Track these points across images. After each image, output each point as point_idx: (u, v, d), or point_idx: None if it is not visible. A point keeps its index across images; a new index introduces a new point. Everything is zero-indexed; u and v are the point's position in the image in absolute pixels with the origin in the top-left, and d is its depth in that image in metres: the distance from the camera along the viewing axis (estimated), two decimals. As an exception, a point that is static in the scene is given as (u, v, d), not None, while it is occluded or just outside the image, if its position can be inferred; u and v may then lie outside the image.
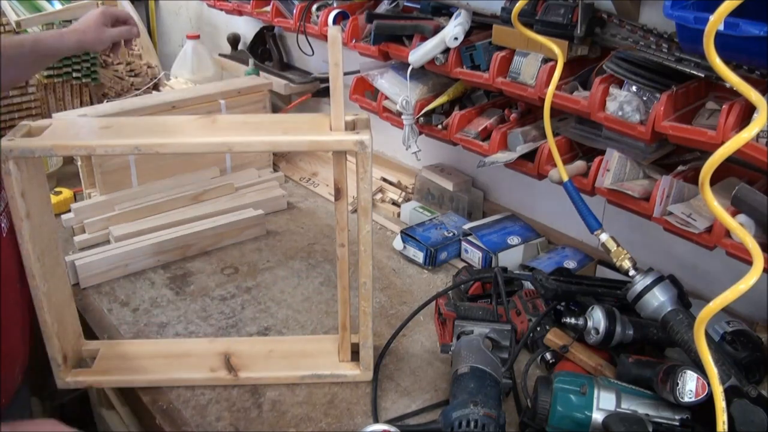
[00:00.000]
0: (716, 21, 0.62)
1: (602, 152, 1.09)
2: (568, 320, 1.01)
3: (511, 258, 1.32)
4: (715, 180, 0.82)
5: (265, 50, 2.01)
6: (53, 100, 1.87)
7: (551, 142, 1.07)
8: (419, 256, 1.35)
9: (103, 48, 1.21)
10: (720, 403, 0.68)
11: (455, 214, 1.46)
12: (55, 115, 1.65)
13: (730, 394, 0.81)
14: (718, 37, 0.63)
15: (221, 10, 1.97)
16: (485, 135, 1.26)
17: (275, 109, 1.84)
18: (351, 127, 0.92)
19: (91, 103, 1.90)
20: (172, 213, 1.47)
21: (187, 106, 1.59)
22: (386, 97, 1.42)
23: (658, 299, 0.94)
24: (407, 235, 1.37)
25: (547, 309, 1.09)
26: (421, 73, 1.38)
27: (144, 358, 1.07)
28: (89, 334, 1.16)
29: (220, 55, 2.14)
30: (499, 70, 1.18)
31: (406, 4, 1.45)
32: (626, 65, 1.01)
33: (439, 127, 1.35)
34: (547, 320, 1.08)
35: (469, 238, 1.36)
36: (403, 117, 1.37)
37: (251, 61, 1.96)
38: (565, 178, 1.06)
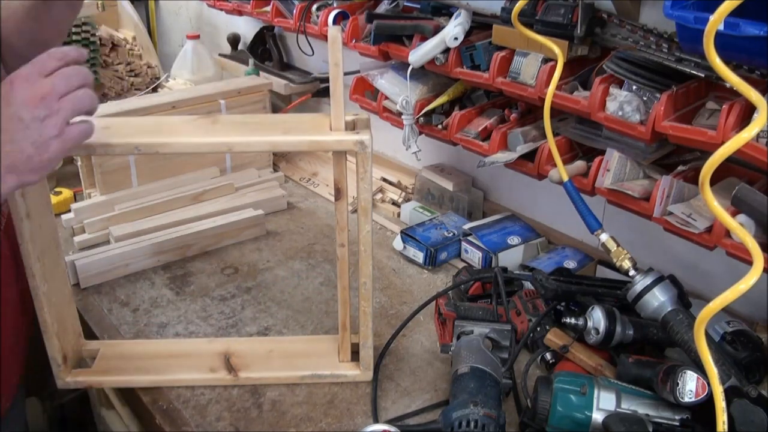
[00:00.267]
0: (716, 21, 0.62)
1: (602, 152, 1.09)
2: (568, 320, 1.01)
3: (511, 258, 1.32)
4: (715, 180, 0.82)
5: (265, 50, 2.01)
6: (53, 100, 1.87)
7: (551, 142, 1.07)
8: (419, 256, 1.35)
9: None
10: (720, 403, 0.68)
11: (455, 214, 1.46)
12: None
13: (730, 394, 0.81)
14: (718, 37, 0.63)
15: (221, 10, 1.97)
16: (485, 135, 1.27)
17: (275, 109, 1.84)
18: (351, 127, 0.92)
19: (91, 103, 1.90)
20: (172, 213, 1.47)
21: (187, 106, 1.59)
22: (386, 97, 1.42)
23: (658, 299, 0.94)
24: (407, 235, 1.37)
25: (547, 309, 1.09)
26: (421, 73, 1.38)
27: (144, 358, 1.07)
28: (89, 334, 1.16)
29: (220, 55, 2.14)
30: (499, 70, 1.18)
31: (406, 4, 1.45)
32: (626, 65, 1.01)
33: (439, 127, 1.35)
34: (547, 320, 1.08)
35: (469, 238, 1.36)
36: (403, 117, 1.37)
37: (251, 61, 1.96)
38: (565, 178, 1.06)
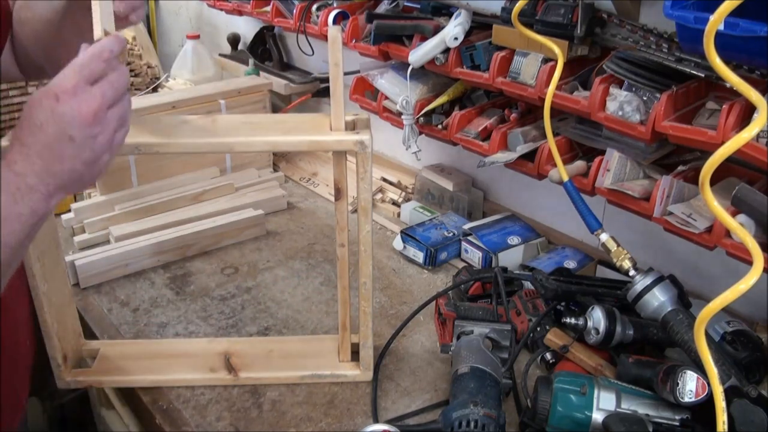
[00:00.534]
0: (716, 21, 0.62)
1: (602, 152, 1.09)
2: (568, 320, 1.01)
3: (511, 258, 1.32)
4: (715, 180, 0.82)
5: (265, 50, 2.01)
6: (53, 100, 1.87)
7: (551, 142, 1.07)
8: (419, 256, 1.35)
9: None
10: (720, 403, 0.68)
11: (455, 214, 1.46)
12: (55, 115, 1.65)
13: (730, 394, 0.81)
14: (718, 37, 0.63)
15: (221, 10, 1.97)
16: (485, 135, 1.26)
17: (275, 109, 1.84)
18: (351, 127, 0.92)
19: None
20: (172, 213, 1.47)
21: (187, 106, 1.59)
22: (386, 97, 1.42)
23: (658, 299, 0.94)
24: (407, 235, 1.37)
25: (547, 309, 1.09)
26: (421, 73, 1.38)
27: (144, 358, 1.07)
28: (89, 334, 1.16)
29: (220, 55, 2.14)
30: (499, 70, 1.18)
31: (406, 4, 1.45)
32: (626, 65, 1.01)
33: (439, 127, 1.35)
34: (547, 320, 1.08)
35: (469, 238, 1.36)
36: (403, 117, 1.37)
37: (251, 61, 1.96)
38: (565, 178, 1.06)
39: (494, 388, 0.90)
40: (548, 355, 1.04)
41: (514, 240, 1.34)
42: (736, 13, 0.65)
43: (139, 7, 0.80)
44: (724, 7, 0.62)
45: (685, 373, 0.81)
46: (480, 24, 1.28)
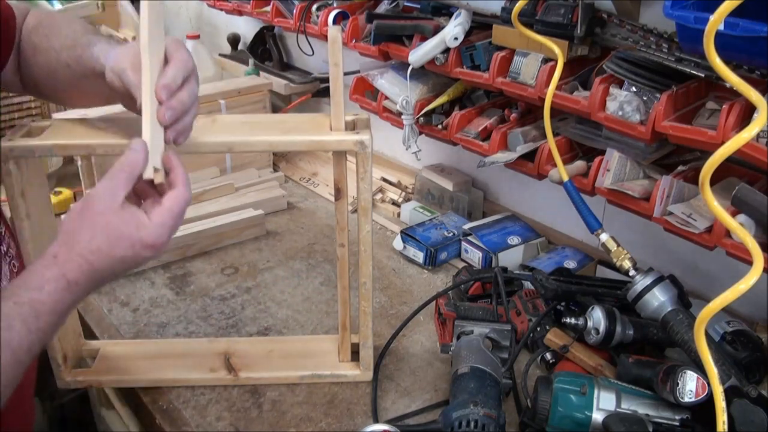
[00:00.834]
0: (716, 21, 0.62)
1: (602, 152, 1.09)
2: (568, 320, 1.01)
3: (511, 258, 1.32)
4: (715, 180, 0.82)
5: (265, 50, 2.01)
6: (53, 100, 1.87)
7: (551, 142, 1.07)
8: (419, 256, 1.35)
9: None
10: (720, 403, 0.68)
11: (455, 214, 1.46)
12: (55, 115, 1.65)
13: (730, 394, 0.81)
14: (718, 37, 0.63)
15: (221, 10, 1.97)
16: (485, 135, 1.26)
17: (275, 109, 1.84)
18: (351, 127, 0.92)
19: (91, 103, 1.90)
20: (172, 213, 1.47)
21: (187, 106, 1.58)
22: (386, 97, 1.42)
23: (658, 299, 0.94)
24: (407, 235, 1.37)
25: (547, 309, 1.09)
26: (421, 73, 1.38)
27: (144, 358, 1.07)
28: (89, 334, 1.16)
29: (220, 55, 2.14)
30: (499, 70, 1.18)
31: (406, 4, 1.45)
32: (626, 65, 1.01)
33: (439, 127, 1.35)
34: (547, 320, 1.08)
35: (469, 238, 1.35)
36: (403, 117, 1.37)
37: (251, 61, 1.96)
38: (565, 178, 1.06)
39: (494, 388, 0.90)
40: (548, 355, 1.04)
41: (514, 240, 1.34)
42: (736, 13, 0.65)
43: (187, 130, 0.80)
44: (724, 7, 0.62)
45: (685, 373, 0.81)
46: (480, 24, 1.28)
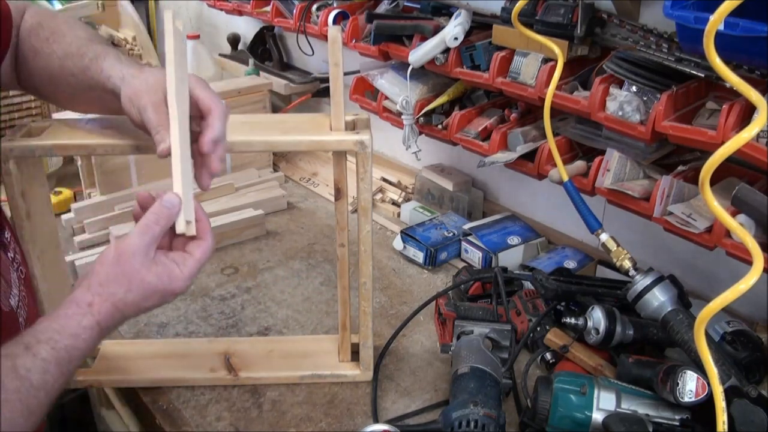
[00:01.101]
0: (716, 21, 0.62)
1: (602, 152, 1.09)
2: (568, 320, 1.01)
3: (511, 258, 1.32)
4: (715, 180, 0.82)
5: (265, 50, 2.01)
6: (53, 100, 1.87)
7: (551, 142, 1.07)
8: (419, 256, 1.35)
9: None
10: (720, 403, 0.68)
11: (455, 214, 1.46)
12: (55, 115, 1.65)
13: (730, 394, 0.81)
14: (718, 37, 0.63)
15: (221, 10, 1.97)
16: (485, 135, 1.26)
17: (275, 109, 1.84)
18: (351, 127, 0.92)
19: (91, 103, 1.90)
20: (172, 213, 1.47)
21: (187, 106, 1.59)
22: (386, 97, 1.42)
23: (658, 299, 0.94)
24: (407, 235, 1.37)
25: (547, 309, 1.09)
26: (421, 73, 1.38)
27: (144, 358, 1.07)
28: (89, 334, 1.16)
29: (220, 55, 2.14)
30: (499, 70, 1.18)
31: (406, 4, 1.45)
32: (626, 65, 1.01)
33: (439, 127, 1.35)
34: (547, 320, 1.08)
35: (469, 238, 1.35)
36: (403, 117, 1.37)
37: (251, 61, 1.96)
38: (565, 178, 1.06)
39: (494, 388, 0.90)
40: (548, 355, 1.04)
41: (514, 240, 1.34)
42: (736, 13, 0.65)
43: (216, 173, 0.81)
44: (724, 7, 0.62)
45: (685, 373, 0.81)
46: (480, 24, 1.28)
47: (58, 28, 0.86)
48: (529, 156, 1.19)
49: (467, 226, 1.38)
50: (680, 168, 1.06)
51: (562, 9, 1.07)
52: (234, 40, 2.11)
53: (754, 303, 1.07)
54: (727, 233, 0.93)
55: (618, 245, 1.01)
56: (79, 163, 1.51)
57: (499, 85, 1.19)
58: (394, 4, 1.46)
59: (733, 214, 0.91)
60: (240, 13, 1.90)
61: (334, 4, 1.53)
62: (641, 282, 0.96)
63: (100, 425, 1.35)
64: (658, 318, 0.94)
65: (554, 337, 1.03)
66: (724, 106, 0.89)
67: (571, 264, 1.27)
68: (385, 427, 0.85)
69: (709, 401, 0.72)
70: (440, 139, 1.37)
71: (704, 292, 1.14)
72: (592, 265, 1.29)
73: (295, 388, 1.03)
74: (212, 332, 1.17)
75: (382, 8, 1.47)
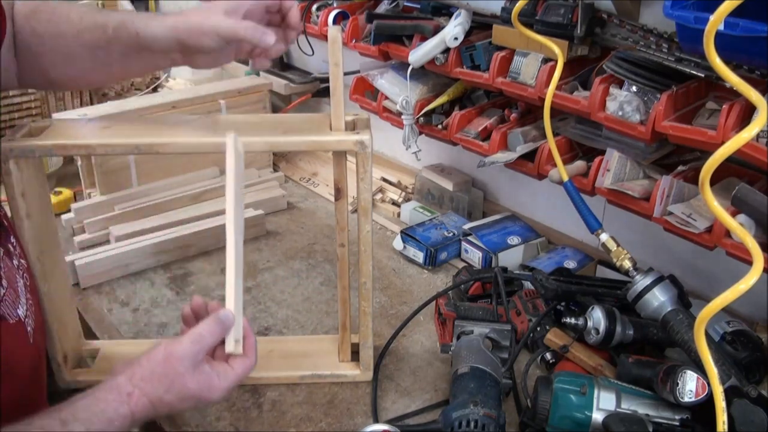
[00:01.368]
0: (716, 21, 0.62)
1: (602, 152, 1.09)
2: (568, 320, 1.01)
3: (511, 258, 1.32)
4: (715, 180, 0.82)
5: (265, 50, 2.01)
6: (53, 100, 1.87)
7: (551, 142, 1.07)
8: (419, 256, 1.35)
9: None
10: (720, 403, 0.68)
11: (455, 214, 1.46)
12: (55, 115, 1.65)
13: (730, 394, 0.81)
14: (718, 37, 0.63)
15: (221, 10, 1.96)
16: (485, 135, 1.27)
17: (275, 109, 1.84)
18: (351, 127, 0.92)
19: (91, 103, 1.90)
20: (172, 213, 1.47)
21: (187, 106, 1.59)
22: (386, 97, 1.42)
23: (658, 299, 0.94)
24: (407, 235, 1.37)
25: (547, 309, 1.09)
26: (421, 73, 1.38)
27: (144, 358, 1.07)
28: (89, 334, 1.16)
29: (220, 55, 2.13)
30: (499, 70, 1.18)
31: (406, 4, 1.45)
32: (626, 65, 1.01)
33: (439, 127, 1.35)
34: (547, 320, 1.08)
35: (469, 238, 1.35)
36: (403, 117, 1.37)
37: (251, 61, 1.96)
38: (565, 178, 1.06)
39: (494, 388, 0.90)
40: (548, 355, 1.04)
41: (514, 240, 1.34)
42: (736, 13, 0.65)
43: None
44: (724, 7, 0.62)
45: (685, 373, 0.81)
46: (480, 24, 1.28)
47: (55, 9, 0.85)
48: (529, 156, 1.19)
49: (467, 226, 1.38)
50: (680, 168, 1.06)
51: (562, 9, 1.07)
52: (234, 40, 2.11)
53: (754, 303, 1.07)
54: (727, 233, 0.93)
55: (618, 245, 1.01)
56: (79, 163, 1.51)
57: (499, 85, 1.19)
58: (394, 4, 1.46)
59: (733, 214, 0.91)
60: (240, 13, 1.89)
61: (334, 4, 1.53)
62: (641, 282, 0.96)
63: (100, 425, 1.35)
64: (658, 318, 0.94)
65: (554, 337, 1.03)
66: (724, 106, 0.89)
67: (571, 264, 1.27)
68: (385, 427, 0.85)
69: (709, 401, 0.72)
70: (440, 139, 1.38)
71: (704, 292, 1.14)
72: (592, 265, 1.29)
73: (295, 388, 1.03)
74: (212, 332, 1.17)
75: (382, 8, 1.47)
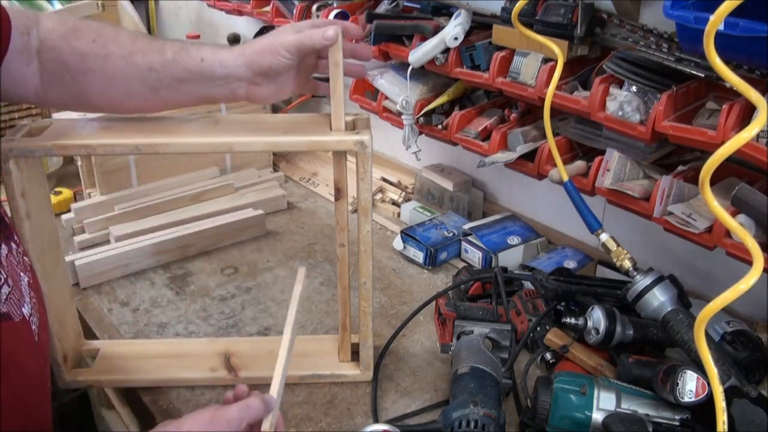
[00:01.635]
0: (716, 21, 0.62)
1: (602, 152, 1.09)
2: (568, 320, 1.01)
3: (511, 258, 1.32)
4: (715, 180, 0.82)
5: (265, 50, 2.01)
6: (53, 100, 1.87)
7: (551, 142, 1.07)
8: (419, 256, 1.35)
9: None
10: (720, 403, 0.68)
11: (455, 214, 1.46)
12: (55, 115, 1.64)
13: (730, 394, 0.81)
14: (718, 37, 0.63)
15: (221, 10, 1.97)
16: (485, 135, 1.26)
17: (275, 109, 1.84)
18: (351, 127, 0.92)
19: (91, 103, 1.90)
20: (172, 213, 1.47)
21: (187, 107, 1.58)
22: (386, 97, 1.42)
23: (658, 299, 0.94)
24: (407, 235, 1.37)
25: (547, 309, 1.09)
26: (421, 73, 1.38)
27: (144, 358, 1.07)
28: (89, 334, 1.16)
29: (220, 55, 2.13)
30: (499, 70, 1.18)
31: (406, 4, 1.45)
32: (626, 65, 1.01)
33: (439, 127, 1.35)
34: (547, 320, 1.08)
35: (469, 238, 1.35)
36: (403, 117, 1.37)
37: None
38: (565, 178, 1.06)
39: (494, 388, 0.90)
40: (548, 355, 1.04)
41: (514, 240, 1.34)
42: (736, 13, 0.65)
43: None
44: (724, 7, 0.62)
45: (685, 373, 0.81)
46: (480, 24, 1.28)
47: (99, 29, 0.84)
48: (529, 156, 1.19)
49: (467, 226, 1.38)
50: (680, 168, 1.06)
51: (562, 9, 1.07)
52: (234, 40, 2.11)
53: (754, 303, 1.07)
54: (727, 233, 0.93)
55: (618, 245, 1.01)
56: (79, 163, 1.51)
57: (499, 85, 1.19)
58: (394, 4, 1.45)
59: (733, 214, 0.91)
60: (240, 13, 1.90)
61: (334, 4, 1.53)
62: (641, 282, 0.96)
63: (100, 425, 1.35)
64: (658, 318, 0.94)
65: (554, 337, 1.03)
66: (724, 106, 0.89)
67: (571, 264, 1.27)
68: (385, 427, 0.85)
69: (709, 401, 0.72)
70: (440, 139, 1.37)
71: (704, 292, 1.14)
72: (592, 265, 1.29)
73: (295, 388, 1.03)
74: (212, 332, 1.17)
75: (382, 8, 1.47)
